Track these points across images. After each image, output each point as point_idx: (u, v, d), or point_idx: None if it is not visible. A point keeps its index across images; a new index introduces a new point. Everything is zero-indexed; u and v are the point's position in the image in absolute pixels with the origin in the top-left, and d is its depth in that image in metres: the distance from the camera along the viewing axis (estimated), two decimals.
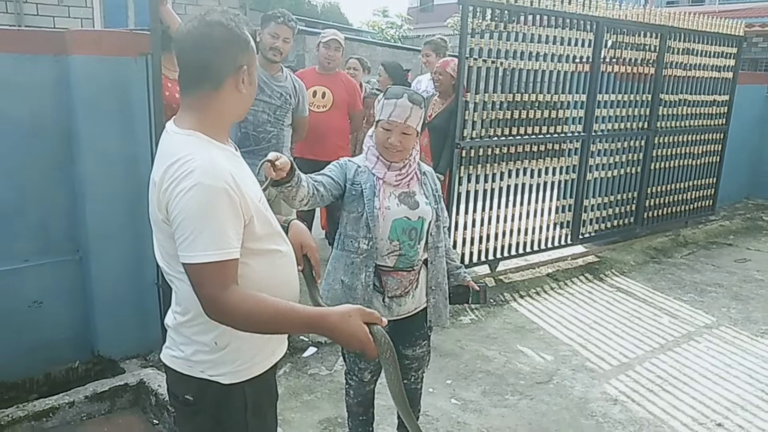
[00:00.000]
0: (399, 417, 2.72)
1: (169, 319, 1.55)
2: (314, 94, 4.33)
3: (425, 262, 2.43)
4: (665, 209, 6.28)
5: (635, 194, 5.88)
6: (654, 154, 5.89)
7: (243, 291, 1.35)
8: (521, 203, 4.91)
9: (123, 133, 3.04)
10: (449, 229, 4.35)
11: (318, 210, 4.97)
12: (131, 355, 3.29)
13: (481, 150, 4.51)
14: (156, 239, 1.47)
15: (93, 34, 2.93)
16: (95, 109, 2.96)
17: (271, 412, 1.67)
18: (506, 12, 4.40)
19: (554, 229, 5.26)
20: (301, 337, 3.73)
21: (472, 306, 4.21)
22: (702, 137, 6.44)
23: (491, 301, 4.46)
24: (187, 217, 1.32)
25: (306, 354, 3.62)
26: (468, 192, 4.54)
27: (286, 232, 1.65)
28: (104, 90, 2.97)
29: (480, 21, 4.29)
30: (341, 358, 3.56)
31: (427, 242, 2.39)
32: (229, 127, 1.53)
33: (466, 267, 4.58)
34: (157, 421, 2.88)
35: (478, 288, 2.57)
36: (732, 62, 6.45)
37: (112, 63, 2.96)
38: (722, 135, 6.67)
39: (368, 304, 2.28)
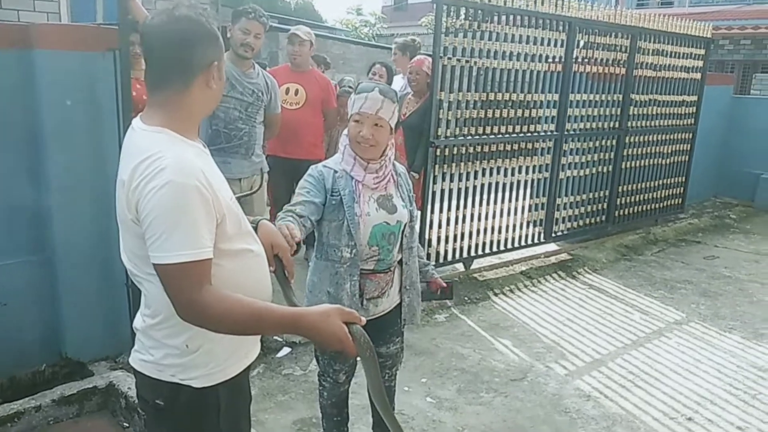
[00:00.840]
0: (374, 416, 2.69)
1: (138, 322, 1.51)
2: (287, 91, 4.29)
3: (399, 262, 2.42)
4: (636, 207, 6.38)
5: (607, 193, 5.96)
6: (625, 153, 5.98)
7: (218, 291, 1.31)
8: (495, 202, 4.93)
9: (90, 130, 2.97)
10: (422, 226, 4.35)
11: None
12: (100, 357, 3.22)
13: (455, 149, 4.52)
14: (123, 240, 1.42)
15: (59, 28, 2.86)
16: (61, 106, 2.88)
17: (244, 414, 1.64)
18: (480, 11, 4.41)
19: (527, 227, 5.31)
20: (275, 338, 3.69)
21: (441, 302, 4.21)
22: (671, 137, 6.56)
23: (465, 299, 4.48)
24: (159, 216, 1.27)
25: (280, 354, 3.58)
26: (443, 190, 4.54)
27: (256, 232, 1.61)
28: (70, 86, 2.89)
29: (454, 20, 4.30)
30: (315, 358, 3.54)
31: (401, 243, 2.38)
32: (198, 123, 1.50)
33: (441, 265, 4.62)
34: (127, 424, 2.82)
35: (445, 285, 2.58)
36: (700, 63, 6.58)
37: (78, 58, 2.89)
38: (691, 135, 6.80)
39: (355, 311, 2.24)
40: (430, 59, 4.35)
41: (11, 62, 2.81)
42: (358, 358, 1.42)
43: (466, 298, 4.47)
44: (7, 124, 2.86)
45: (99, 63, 2.93)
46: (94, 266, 3.12)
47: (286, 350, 3.63)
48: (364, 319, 1.39)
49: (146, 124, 1.39)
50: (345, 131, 2.33)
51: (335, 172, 2.26)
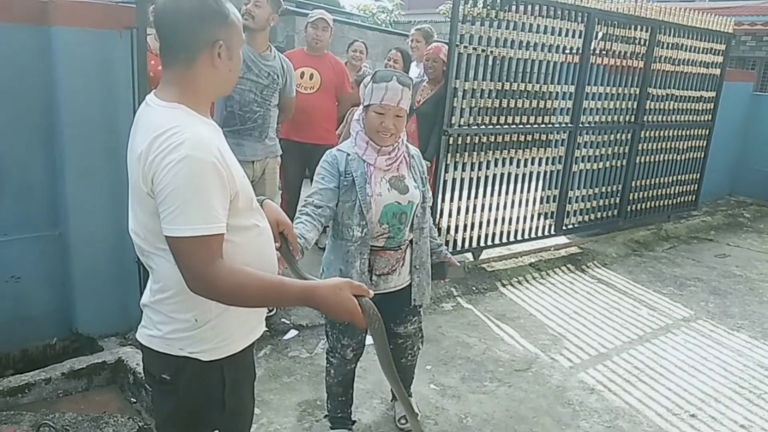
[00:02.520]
0: (392, 391, 2.79)
1: (146, 298, 1.53)
2: (302, 75, 4.28)
3: (411, 241, 2.49)
4: (648, 203, 6.33)
5: (619, 187, 5.92)
6: (639, 147, 5.93)
7: (231, 264, 1.34)
8: (506, 192, 4.92)
9: (105, 107, 2.99)
10: (434, 214, 4.36)
11: None
12: (110, 333, 3.26)
13: (468, 138, 4.50)
14: (134, 213, 1.44)
15: (77, 5, 2.85)
16: (77, 83, 2.90)
17: (248, 390, 1.67)
18: (498, 0, 4.37)
19: (538, 219, 5.29)
20: (282, 320, 3.72)
21: (451, 280, 4.23)
22: (687, 133, 6.48)
23: (473, 288, 4.49)
24: (175, 190, 1.29)
25: (287, 337, 3.61)
26: (454, 180, 4.54)
27: None
28: (87, 63, 2.91)
29: (472, 8, 4.26)
30: (322, 340, 3.57)
31: (412, 223, 2.45)
32: (209, 101, 1.51)
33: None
34: (135, 400, 2.87)
35: (458, 264, 2.69)
36: (720, 59, 6.49)
37: (95, 36, 2.90)
38: (707, 131, 6.72)
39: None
40: (446, 47, 4.32)
41: (29, 38, 2.83)
42: (368, 337, 1.47)
43: (473, 288, 4.48)
44: (23, 99, 2.88)
45: (116, 42, 2.95)
46: (106, 243, 3.15)
47: (293, 333, 3.66)
48: (372, 292, 1.45)
49: (162, 100, 1.41)
50: (356, 116, 2.39)
51: (348, 155, 2.34)
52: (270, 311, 3.71)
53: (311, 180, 4.69)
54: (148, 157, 1.33)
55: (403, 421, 2.84)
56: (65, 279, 3.16)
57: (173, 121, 1.34)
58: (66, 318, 3.22)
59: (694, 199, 6.91)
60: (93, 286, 3.16)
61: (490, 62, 4.51)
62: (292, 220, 5.28)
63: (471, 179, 4.65)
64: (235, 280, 1.32)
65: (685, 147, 6.51)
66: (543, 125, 4.99)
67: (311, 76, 4.32)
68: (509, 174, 4.88)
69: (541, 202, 5.25)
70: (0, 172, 2.90)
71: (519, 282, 4.77)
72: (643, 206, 6.28)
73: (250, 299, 1.37)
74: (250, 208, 1.49)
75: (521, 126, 4.81)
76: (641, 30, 5.54)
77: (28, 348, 3.15)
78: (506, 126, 4.71)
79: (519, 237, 5.17)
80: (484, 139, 4.60)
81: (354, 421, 2.77)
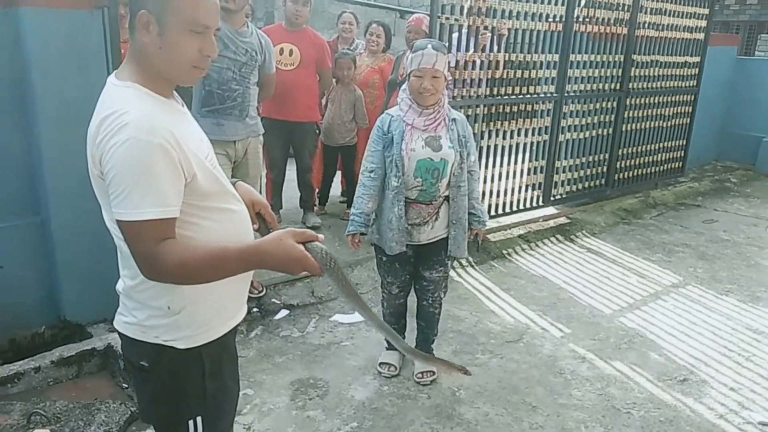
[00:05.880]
0: (418, 335, 3.15)
1: (120, 285, 1.50)
2: (281, 51, 4.20)
3: (447, 198, 2.81)
4: (636, 171, 6.33)
5: (606, 156, 5.91)
6: (625, 115, 5.90)
7: (173, 243, 1.29)
8: (493, 165, 4.89)
9: (79, 89, 2.89)
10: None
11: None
12: (99, 319, 3.23)
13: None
14: (100, 199, 1.40)
15: None
16: (50, 65, 2.82)
17: (230, 373, 1.63)
18: None
19: (526, 190, 5.27)
20: (273, 300, 3.71)
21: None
22: (673, 99, 6.47)
23: (462, 262, 4.47)
24: (120, 172, 1.25)
25: (278, 316, 3.60)
26: None
27: None
28: (58, 44, 2.82)
29: None
30: (314, 319, 3.57)
31: (449, 181, 2.76)
32: (165, 79, 1.40)
33: None
34: (126, 385, 2.85)
35: (481, 240, 3.08)
36: (704, 23, 6.45)
37: (65, 16, 2.81)
38: (693, 97, 6.70)
39: (401, 233, 2.76)
40: (428, 18, 4.25)
41: None
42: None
43: (463, 261, 4.47)
44: None
45: (87, 21, 2.85)
46: (88, 228, 3.08)
47: (284, 312, 3.65)
48: (321, 236, 1.40)
49: (118, 79, 1.37)
50: (403, 87, 2.78)
51: (392, 117, 2.75)
52: (259, 292, 3.69)
53: (295, 158, 4.71)
54: (96, 139, 1.29)
55: (420, 375, 3.03)
56: (50, 266, 3.12)
57: (121, 101, 1.30)
58: (53, 305, 3.19)
59: (680, 165, 6.93)
60: (78, 273, 3.12)
61: (474, 33, 4.44)
62: (280, 199, 5.25)
63: None
64: (178, 258, 1.27)
65: (670, 113, 6.50)
66: (528, 96, 4.95)
67: (291, 52, 4.25)
68: (495, 146, 4.85)
69: (528, 174, 5.23)
70: None
71: (508, 254, 4.77)
72: (631, 174, 6.28)
73: (198, 274, 1.31)
74: (222, 192, 1.45)
75: (506, 97, 4.76)
76: None
77: (15, 337, 3.12)
78: (491, 98, 4.66)
79: (507, 209, 5.15)
80: (469, 112, 4.56)
81: None
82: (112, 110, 1.28)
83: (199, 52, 1.36)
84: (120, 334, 1.51)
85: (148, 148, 1.25)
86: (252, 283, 3.64)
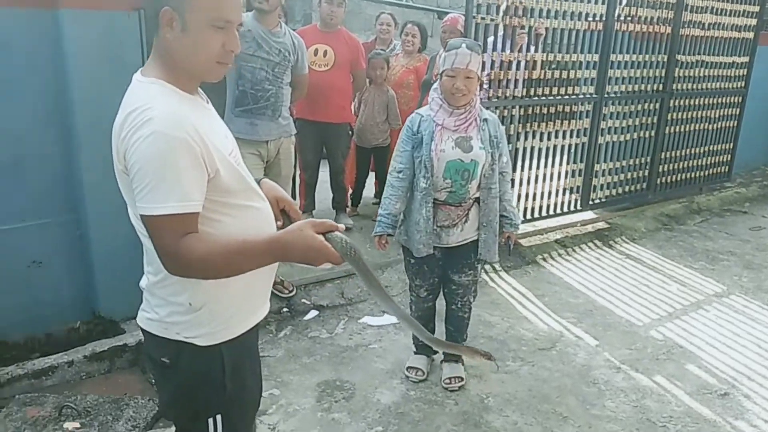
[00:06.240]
0: (447, 329, 3.09)
1: (143, 281, 1.52)
2: (315, 52, 4.20)
3: (477, 200, 2.76)
4: (679, 175, 6.12)
5: (648, 159, 5.73)
6: (669, 117, 5.71)
7: (196, 238, 1.29)
8: (530, 167, 4.79)
9: (117, 90, 2.93)
10: None
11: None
12: (131, 315, 3.23)
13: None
14: (124, 195, 1.41)
15: None
16: (88, 66, 2.87)
17: (251, 374, 1.63)
18: None
19: (564, 194, 5.15)
20: (303, 300, 3.71)
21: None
22: (719, 101, 6.23)
23: (496, 266, 4.39)
24: (144, 167, 1.26)
25: (307, 317, 3.60)
26: None
27: None
28: (97, 46, 2.87)
29: None
30: (343, 321, 3.56)
31: (480, 183, 2.70)
32: (190, 75, 1.41)
33: None
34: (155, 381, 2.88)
35: (513, 244, 2.96)
36: (753, 21, 6.18)
37: (103, 17, 2.86)
38: (741, 98, 6.44)
39: (429, 234, 2.72)
40: (463, 18, 4.19)
41: (37, 22, 2.80)
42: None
43: (496, 266, 4.40)
44: (35, 84, 2.87)
45: (125, 22, 2.90)
46: (122, 226, 3.11)
47: (313, 313, 3.65)
48: (342, 226, 1.38)
49: (143, 76, 1.38)
50: (435, 86, 2.72)
51: (422, 116, 2.70)
52: (290, 292, 3.69)
53: (328, 159, 4.71)
54: (120, 134, 1.30)
55: (447, 381, 2.98)
56: (86, 263, 3.18)
57: (146, 97, 1.31)
58: (88, 301, 3.25)
59: (727, 170, 6.66)
60: (112, 270, 3.17)
61: (510, 32, 4.36)
62: (312, 200, 5.25)
63: None
64: (200, 253, 1.27)
65: (717, 115, 6.26)
66: (567, 96, 4.84)
67: (325, 53, 4.24)
68: (532, 148, 4.75)
69: (566, 177, 5.10)
70: (15, 159, 2.91)
71: (544, 259, 4.67)
72: (674, 178, 6.08)
73: (220, 268, 1.31)
74: (245, 189, 1.45)
75: (544, 98, 4.67)
76: None
77: (52, 332, 3.19)
78: (528, 98, 4.57)
79: (544, 213, 5.04)
80: (506, 113, 4.48)
81: (436, 351, 3.07)
82: (136, 106, 1.30)
83: (223, 47, 1.36)
84: (142, 330, 1.52)
85: (172, 143, 1.26)
86: (283, 283, 3.67)
